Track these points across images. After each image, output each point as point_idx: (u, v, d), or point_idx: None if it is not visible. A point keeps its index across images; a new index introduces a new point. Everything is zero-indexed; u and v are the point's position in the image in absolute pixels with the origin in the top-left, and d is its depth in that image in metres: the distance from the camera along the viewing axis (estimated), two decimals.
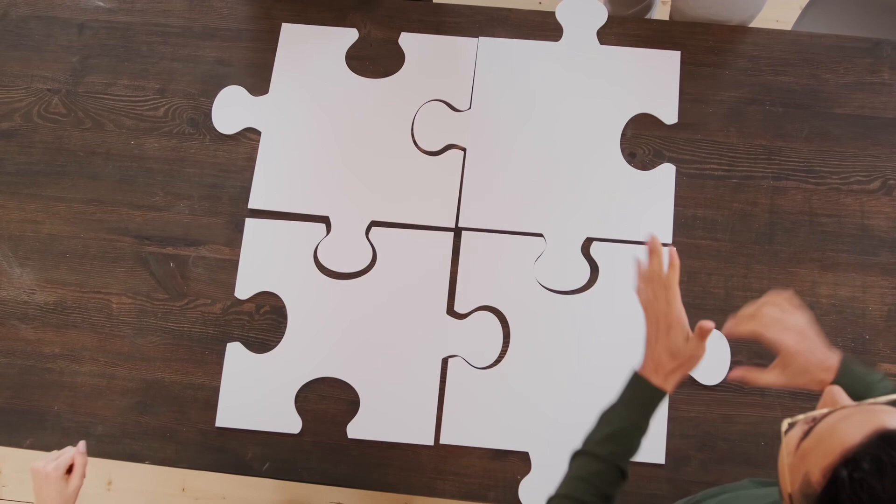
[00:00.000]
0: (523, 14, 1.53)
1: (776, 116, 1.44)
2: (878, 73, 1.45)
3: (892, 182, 1.40)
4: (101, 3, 1.58)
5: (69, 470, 1.19)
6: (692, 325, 1.05)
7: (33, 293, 1.46)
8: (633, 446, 1.06)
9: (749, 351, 1.34)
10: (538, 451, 1.33)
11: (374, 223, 1.43)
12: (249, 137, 1.49)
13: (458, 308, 1.39)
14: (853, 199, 1.40)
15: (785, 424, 0.79)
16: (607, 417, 1.08)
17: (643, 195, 1.42)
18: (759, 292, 1.36)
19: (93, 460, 1.40)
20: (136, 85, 1.54)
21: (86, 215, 1.48)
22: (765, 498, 0.94)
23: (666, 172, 1.43)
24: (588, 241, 1.40)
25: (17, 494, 2.20)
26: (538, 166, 1.44)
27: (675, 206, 1.41)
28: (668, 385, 1.07)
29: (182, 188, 1.48)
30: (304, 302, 1.41)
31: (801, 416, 0.78)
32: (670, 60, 1.48)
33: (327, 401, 1.38)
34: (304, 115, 1.49)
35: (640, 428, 1.06)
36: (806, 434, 0.76)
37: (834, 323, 1.35)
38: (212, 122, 1.50)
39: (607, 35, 1.50)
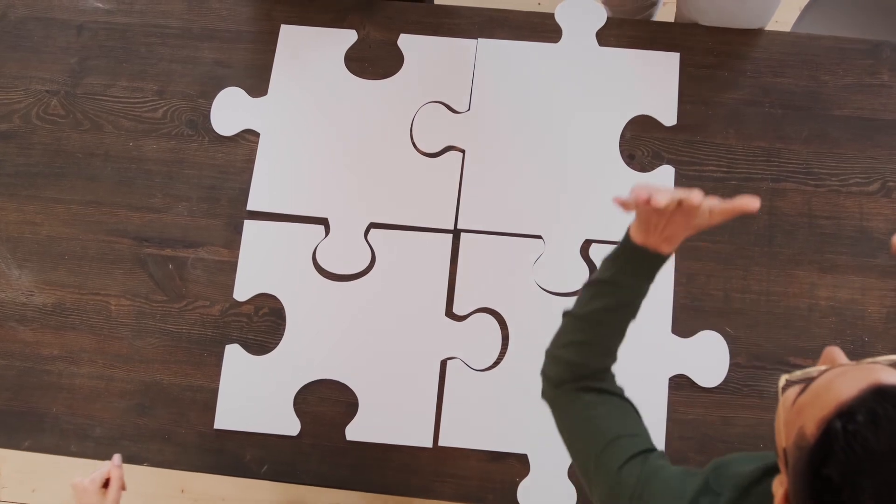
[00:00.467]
0: (522, 15, 1.53)
1: (775, 118, 1.44)
2: (878, 75, 1.45)
3: (891, 184, 1.40)
4: (100, 5, 1.58)
5: (106, 484, 1.24)
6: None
7: (32, 295, 1.45)
8: (627, 303, 1.02)
9: (748, 353, 1.34)
10: (537, 453, 1.33)
11: (373, 225, 1.43)
12: (248, 139, 1.49)
13: (456, 310, 1.39)
14: (852, 201, 1.40)
15: (783, 380, 0.80)
16: (598, 288, 1.03)
17: None
18: (759, 294, 1.37)
19: (92, 462, 1.41)
20: (134, 86, 1.54)
21: (84, 217, 1.48)
22: (761, 458, 0.94)
23: (665, 174, 1.42)
24: (587, 243, 1.40)
25: (16, 496, 2.20)
26: (537, 168, 1.44)
27: None
28: (665, 246, 1.00)
29: (181, 190, 1.48)
30: (303, 304, 1.41)
31: (798, 373, 0.78)
32: (669, 62, 1.47)
33: (326, 403, 1.38)
34: (303, 117, 1.49)
35: (632, 288, 1.01)
36: (803, 390, 0.76)
37: (833, 325, 1.35)
38: (210, 124, 1.50)
39: (606, 36, 1.50)
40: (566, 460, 1.32)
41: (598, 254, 1.39)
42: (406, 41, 1.52)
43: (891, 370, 0.74)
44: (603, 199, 1.42)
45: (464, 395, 1.36)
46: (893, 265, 1.37)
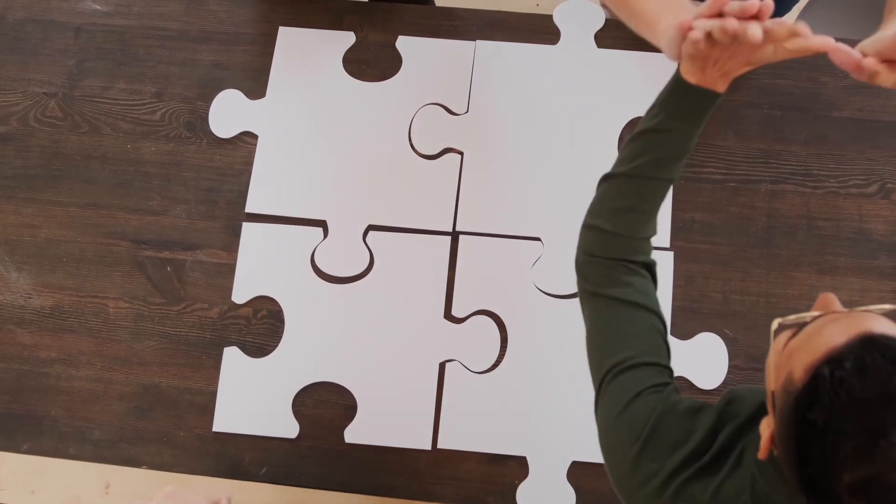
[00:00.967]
0: (521, 17, 1.53)
1: (774, 120, 1.44)
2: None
3: (890, 185, 1.40)
4: (98, 7, 1.58)
5: None
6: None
7: (30, 297, 1.45)
8: (677, 153, 0.96)
9: (747, 355, 1.34)
10: (536, 455, 1.33)
11: (372, 227, 1.43)
12: (246, 141, 1.49)
13: (455, 312, 1.39)
14: (851, 203, 1.40)
15: (775, 324, 0.80)
16: (644, 121, 0.98)
17: None
18: (757, 296, 1.37)
19: (91, 464, 1.41)
20: (132, 89, 1.53)
21: (82, 219, 1.48)
22: (759, 405, 0.94)
23: None
24: None
25: (15, 498, 2.20)
26: (536, 170, 1.44)
27: (673, 209, 1.40)
28: (721, 83, 0.94)
29: (179, 192, 1.48)
30: (302, 306, 1.41)
31: (792, 317, 0.79)
32: (668, 64, 1.47)
33: (324, 405, 1.37)
34: (302, 119, 1.49)
35: (685, 133, 0.96)
36: (794, 334, 0.77)
37: None
38: (209, 126, 1.50)
39: (605, 38, 1.50)
40: (565, 462, 1.32)
41: None
42: (404, 43, 1.52)
43: (883, 319, 0.74)
44: None
45: (463, 397, 1.35)
46: (893, 267, 1.37)
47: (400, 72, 1.51)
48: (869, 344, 0.70)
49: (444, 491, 1.33)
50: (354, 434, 1.35)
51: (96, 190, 1.49)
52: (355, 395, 1.37)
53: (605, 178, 1.03)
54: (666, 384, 0.97)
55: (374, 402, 1.36)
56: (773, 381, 0.77)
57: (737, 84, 1.46)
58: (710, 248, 1.39)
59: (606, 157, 1.43)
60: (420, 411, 1.35)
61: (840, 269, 1.37)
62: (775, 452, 0.77)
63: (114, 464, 1.40)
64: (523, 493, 1.32)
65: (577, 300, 1.36)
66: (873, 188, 1.40)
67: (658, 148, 0.98)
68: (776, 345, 0.79)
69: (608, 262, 1.00)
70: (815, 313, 0.78)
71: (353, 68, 1.52)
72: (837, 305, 0.80)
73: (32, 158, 1.52)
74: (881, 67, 0.85)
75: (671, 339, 1.34)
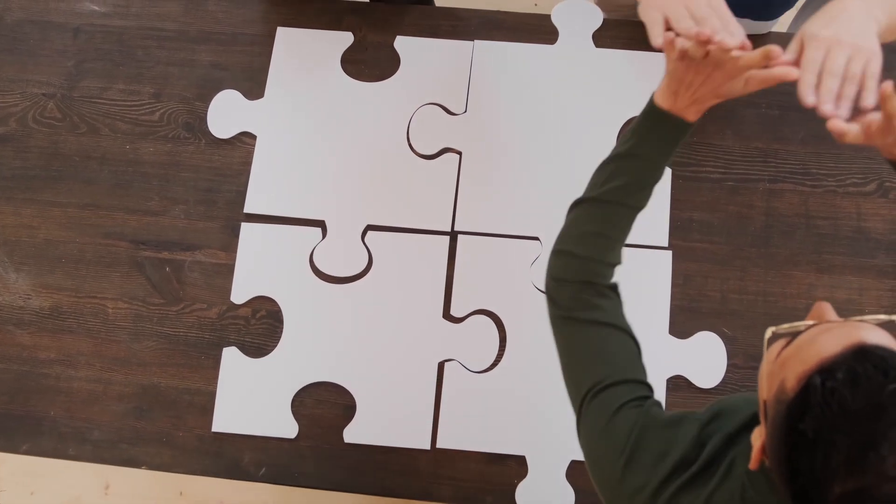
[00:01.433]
0: (519, 17, 1.53)
1: (772, 119, 1.44)
2: None
3: (888, 184, 1.40)
4: (96, 8, 1.58)
5: None
6: None
7: (29, 298, 1.45)
8: (645, 180, 0.99)
9: (745, 354, 1.34)
10: (535, 454, 1.33)
11: (370, 227, 1.43)
12: (245, 141, 1.49)
13: (454, 312, 1.39)
14: (849, 202, 1.40)
15: (769, 332, 0.80)
16: (617, 151, 1.01)
17: None
18: (756, 295, 1.37)
19: (91, 465, 1.41)
20: (131, 89, 1.54)
21: (81, 220, 1.48)
22: (750, 415, 0.95)
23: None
24: None
25: (15, 499, 2.20)
26: (534, 169, 1.44)
27: (671, 209, 1.41)
28: (692, 112, 0.97)
29: (178, 192, 1.48)
30: (300, 306, 1.41)
31: (785, 326, 0.79)
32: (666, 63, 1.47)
33: (324, 405, 1.38)
34: (300, 119, 1.49)
35: (654, 161, 0.99)
36: (788, 344, 0.77)
37: None
38: (207, 127, 1.50)
39: (603, 38, 1.50)
40: (564, 462, 1.32)
41: None
42: (402, 43, 1.52)
43: (876, 329, 0.74)
44: None
45: (462, 397, 1.35)
46: (891, 265, 1.37)
47: (398, 72, 1.51)
48: (861, 354, 0.70)
49: (443, 491, 1.33)
50: (353, 434, 1.36)
51: (95, 190, 1.49)
52: (354, 395, 1.37)
53: (576, 204, 1.06)
54: (646, 398, 0.98)
55: (374, 402, 1.37)
56: (765, 390, 0.77)
57: None
58: (708, 247, 1.39)
59: (604, 156, 1.44)
60: (419, 411, 1.35)
61: (838, 268, 1.37)
62: (767, 463, 0.77)
63: (113, 464, 1.39)
64: (522, 492, 1.32)
65: None
66: (871, 187, 1.40)
67: (626, 174, 1.01)
68: (769, 354, 0.79)
69: (578, 286, 1.01)
70: (809, 322, 0.78)
71: (351, 68, 1.52)
72: (832, 315, 0.80)
73: (31, 159, 1.52)
74: (847, 127, 0.90)
75: (670, 339, 1.35)
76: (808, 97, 0.91)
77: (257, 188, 1.46)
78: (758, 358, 1.34)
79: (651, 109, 1.00)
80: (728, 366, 1.34)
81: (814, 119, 1.43)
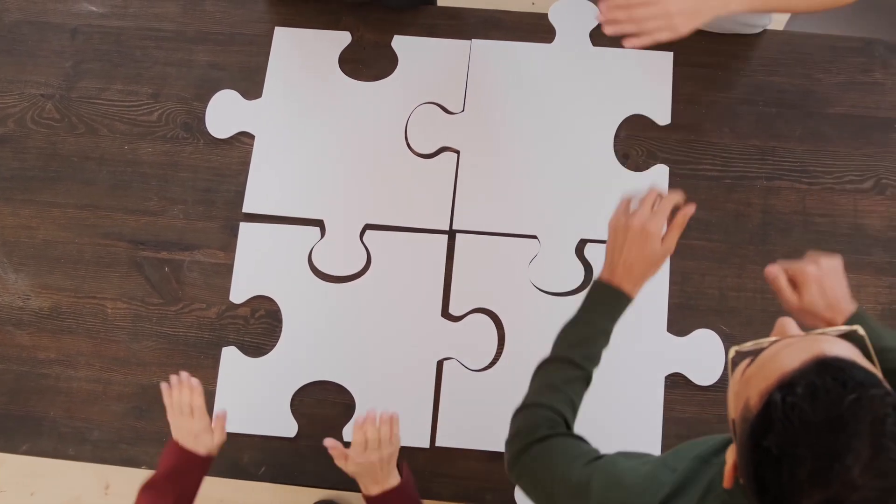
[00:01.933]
0: (516, 16, 1.53)
1: (769, 117, 1.45)
2: (870, 73, 1.46)
3: (885, 181, 1.41)
4: (94, 8, 1.58)
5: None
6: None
7: (28, 299, 1.45)
8: (599, 353, 1.08)
9: None
10: None
11: (369, 226, 1.43)
12: (243, 141, 1.49)
13: (452, 310, 1.39)
14: (846, 199, 1.40)
15: (732, 352, 0.81)
16: (574, 327, 1.09)
17: None
18: (754, 292, 1.37)
19: (90, 465, 1.41)
20: (129, 90, 1.54)
21: (80, 220, 1.48)
22: (721, 441, 0.95)
23: (659, 173, 1.43)
24: (582, 243, 1.40)
25: (15, 500, 2.20)
26: (532, 168, 1.44)
27: None
28: (636, 290, 1.08)
29: (176, 193, 1.48)
30: (299, 306, 1.41)
31: (749, 344, 0.80)
32: (663, 61, 1.48)
33: (323, 404, 1.38)
34: (298, 119, 1.49)
35: (607, 334, 1.08)
36: (751, 362, 0.77)
37: None
38: (205, 127, 1.50)
39: (600, 36, 1.50)
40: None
41: (593, 253, 1.39)
42: (400, 43, 1.52)
43: (836, 341, 0.74)
44: (598, 199, 1.42)
45: (460, 395, 1.36)
46: (888, 262, 1.37)
47: (396, 71, 1.51)
48: (821, 367, 0.70)
49: (442, 489, 1.34)
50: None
51: (94, 191, 1.49)
52: (353, 394, 1.37)
53: (538, 366, 1.12)
54: (599, 456, 1.01)
55: (373, 401, 1.36)
56: (732, 409, 0.77)
57: (730, 82, 1.48)
58: (706, 245, 1.40)
59: (602, 155, 1.44)
60: (418, 409, 1.35)
61: None
62: (741, 480, 0.77)
63: (113, 464, 1.40)
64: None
65: (573, 297, 1.37)
66: (868, 184, 1.41)
67: (575, 335, 1.09)
68: (735, 373, 0.80)
69: (532, 423, 1.06)
70: (771, 339, 0.78)
71: (349, 68, 1.52)
72: (794, 329, 0.80)
73: (30, 160, 1.52)
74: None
75: (668, 336, 1.35)
76: None
77: (256, 188, 1.46)
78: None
79: (595, 281, 1.11)
80: (726, 363, 1.34)
81: (811, 117, 1.44)
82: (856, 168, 1.41)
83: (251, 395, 1.38)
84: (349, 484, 1.36)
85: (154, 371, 1.41)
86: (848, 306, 1.04)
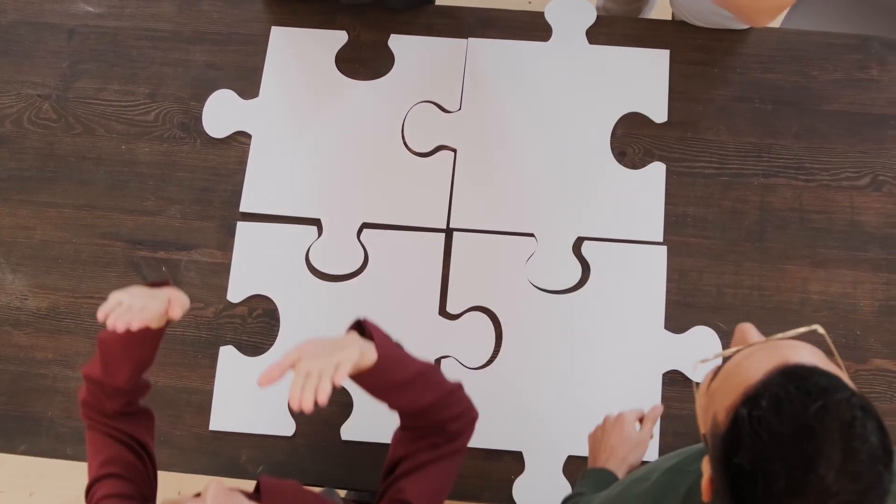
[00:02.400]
0: (512, 14, 1.53)
1: (765, 114, 1.45)
2: (867, 70, 1.46)
3: (881, 178, 1.41)
4: (91, 9, 1.58)
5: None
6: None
7: (25, 299, 1.46)
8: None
9: None
10: (531, 450, 1.33)
11: (366, 225, 1.44)
12: (240, 141, 1.50)
13: (450, 309, 1.39)
14: (843, 196, 1.41)
15: (697, 365, 0.80)
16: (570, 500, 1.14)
17: (634, 194, 1.42)
18: (751, 289, 1.37)
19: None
20: (126, 90, 1.54)
21: (77, 220, 1.48)
22: (696, 451, 0.95)
23: (656, 171, 1.43)
24: (579, 241, 1.40)
25: (14, 500, 2.20)
26: (529, 166, 1.44)
27: (666, 204, 1.41)
28: (622, 471, 1.13)
29: (173, 192, 1.48)
30: (297, 304, 1.41)
31: (711, 356, 0.79)
32: (660, 59, 1.48)
33: None
34: (295, 118, 1.49)
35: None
36: (716, 374, 0.76)
37: (825, 319, 1.35)
38: (202, 126, 1.50)
39: (596, 34, 1.50)
40: (561, 457, 1.32)
41: (591, 251, 1.39)
42: (396, 41, 1.52)
43: (798, 345, 0.73)
44: (595, 197, 1.42)
45: None
46: (885, 259, 1.38)
47: (392, 70, 1.51)
48: (784, 376, 0.69)
49: None
50: (351, 431, 1.36)
51: (91, 191, 1.49)
52: (351, 393, 1.37)
53: None
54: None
55: (370, 400, 1.36)
56: (702, 423, 0.77)
57: (726, 79, 1.48)
58: (703, 242, 1.40)
59: (599, 153, 1.44)
60: None
61: (832, 262, 1.38)
62: (719, 495, 0.76)
63: None
64: (519, 488, 1.32)
65: (570, 295, 1.37)
66: (865, 181, 1.41)
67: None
68: (701, 386, 0.79)
69: None
70: (733, 350, 0.77)
71: (345, 67, 1.52)
72: (753, 336, 0.79)
73: (27, 160, 1.52)
74: None
75: (666, 333, 1.35)
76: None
77: (253, 187, 1.46)
78: None
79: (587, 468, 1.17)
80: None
81: (807, 114, 1.44)
82: (852, 165, 1.42)
83: (249, 394, 1.38)
84: (347, 483, 1.36)
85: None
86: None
